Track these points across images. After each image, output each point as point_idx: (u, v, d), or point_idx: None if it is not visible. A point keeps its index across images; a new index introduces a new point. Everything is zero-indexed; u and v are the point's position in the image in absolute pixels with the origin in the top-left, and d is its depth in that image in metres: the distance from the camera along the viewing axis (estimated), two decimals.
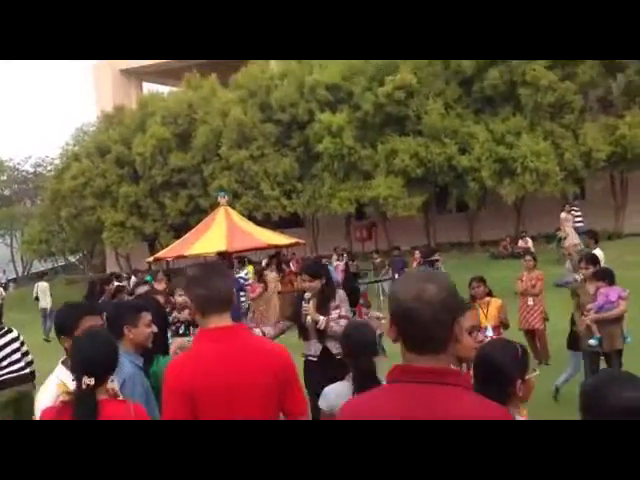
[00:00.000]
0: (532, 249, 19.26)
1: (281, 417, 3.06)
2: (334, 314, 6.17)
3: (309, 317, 6.17)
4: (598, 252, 9.94)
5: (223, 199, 19.76)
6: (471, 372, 3.09)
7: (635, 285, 9.35)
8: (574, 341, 8.23)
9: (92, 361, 3.01)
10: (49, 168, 41.08)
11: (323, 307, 6.15)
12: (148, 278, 17.22)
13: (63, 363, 3.62)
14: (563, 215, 19.91)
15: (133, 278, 21.35)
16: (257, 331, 6.06)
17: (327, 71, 26.24)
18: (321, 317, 6.11)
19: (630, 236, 23.06)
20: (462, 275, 8.31)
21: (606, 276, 7.76)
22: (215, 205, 21.58)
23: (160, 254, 20.71)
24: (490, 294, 8.06)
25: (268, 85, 27.41)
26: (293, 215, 27.38)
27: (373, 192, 24.47)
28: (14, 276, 43.32)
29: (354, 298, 8.46)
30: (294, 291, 16.50)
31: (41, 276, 24.19)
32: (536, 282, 10.47)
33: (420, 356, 1.93)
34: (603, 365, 7.78)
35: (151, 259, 21.19)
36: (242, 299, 14.94)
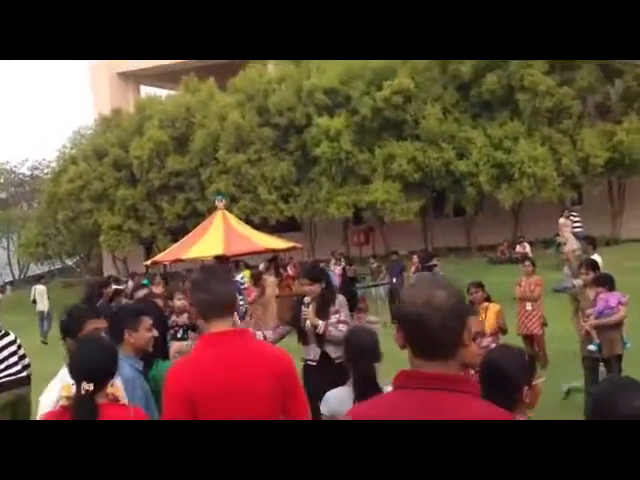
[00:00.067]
0: (530, 254, 19.27)
1: None
2: (333, 319, 6.15)
3: (308, 321, 6.15)
4: (596, 258, 9.92)
5: (221, 203, 19.74)
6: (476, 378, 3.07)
7: (634, 291, 9.34)
8: None
9: (90, 367, 2.99)
10: (46, 171, 41.05)
11: (322, 311, 6.13)
12: (145, 281, 17.12)
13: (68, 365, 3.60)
14: (562, 220, 19.90)
15: (130, 282, 21.31)
16: (259, 334, 6.04)
17: (325, 75, 26.27)
18: (320, 321, 6.09)
19: (627, 242, 23.10)
20: (460, 280, 8.31)
21: (606, 282, 7.76)
22: (212, 209, 21.55)
23: (157, 257, 20.69)
24: (488, 299, 8.05)
25: (266, 89, 27.41)
26: (290, 219, 27.37)
27: (370, 197, 24.48)
28: (11, 279, 43.25)
29: (352, 303, 8.44)
30: (292, 295, 16.48)
31: (38, 279, 24.13)
32: (535, 287, 10.47)
33: (428, 362, 1.91)
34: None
35: (148, 262, 21.16)
36: (240, 303, 14.91)
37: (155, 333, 3.88)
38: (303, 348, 6.35)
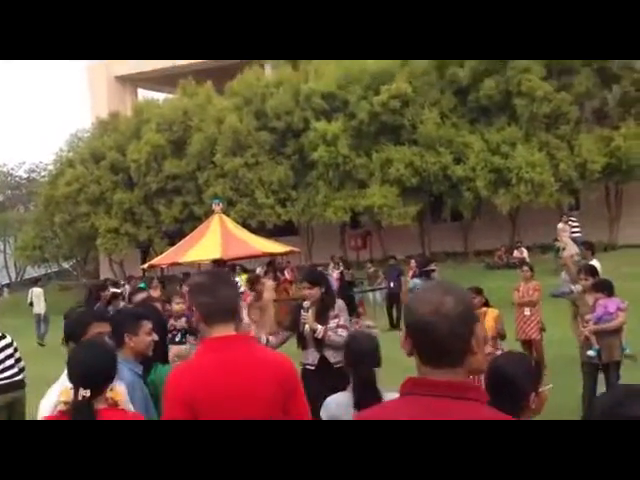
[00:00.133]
0: (527, 259, 19.27)
1: None
2: (332, 323, 6.14)
3: (307, 326, 6.13)
4: (595, 263, 9.93)
5: (218, 206, 19.76)
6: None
7: (633, 296, 9.34)
8: None
9: (88, 373, 2.96)
10: (43, 174, 41.01)
11: (322, 316, 6.11)
12: (141, 285, 17.06)
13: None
14: (560, 225, 19.93)
15: (127, 286, 21.27)
16: (262, 338, 6.02)
17: (322, 79, 26.30)
18: (319, 326, 6.07)
19: (625, 247, 23.13)
20: None
21: (605, 287, 7.76)
22: (209, 212, 21.55)
23: (154, 261, 20.68)
24: (487, 305, 8.04)
25: (263, 93, 27.44)
26: (288, 223, 27.37)
27: (368, 201, 24.50)
28: (7, 282, 43.18)
29: (349, 307, 8.43)
30: (289, 299, 16.48)
31: (35, 282, 24.09)
32: (533, 292, 10.45)
33: (436, 370, 1.89)
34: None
35: (146, 266, 21.14)
36: None
37: (155, 337, 3.85)
38: (302, 352, 6.33)
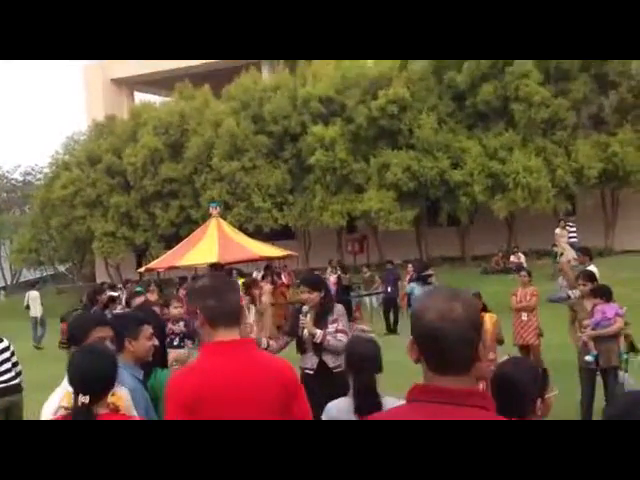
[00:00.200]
0: (524, 264, 19.29)
1: None
2: (331, 328, 6.12)
3: (306, 330, 6.12)
4: (592, 269, 9.93)
5: (215, 210, 19.73)
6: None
7: (631, 302, 9.35)
8: None
9: (87, 379, 2.94)
10: (38, 177, 40.96)
11: (321, 320, 6.10)
12: (138, 289, 16.98)
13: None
14: (558, 231, 19.95)
15: (123, 290, 21.24)
16: (263, 341, 6.00)
17: (320, 84, 26.33)
18: (318, 330, 6.06)
19: (621, 253, 23.17)
20: None
21: (603, 293, 7.77)
22: (206, 216, 21.53)
23: (151, 265, 20.64)
24: (485, 309, 8.03)
25: (261, 97, 27.44)
26: (285, 227, 27.37)
27: (365, 205, 24.51)
28: (3, 285, 43.09)
29: (346, 312, 8.42)
30: (286, 303, 16.47)
31: (32, 285, 24.03)
32: (531, 298, 10.47)
33: (444, 376, 1.87)
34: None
35: (142, 269, 21.10)
36: None
37: (155, 342, 3.83)
38: (301, 357, 6.31)
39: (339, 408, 3.88)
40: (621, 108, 23.86)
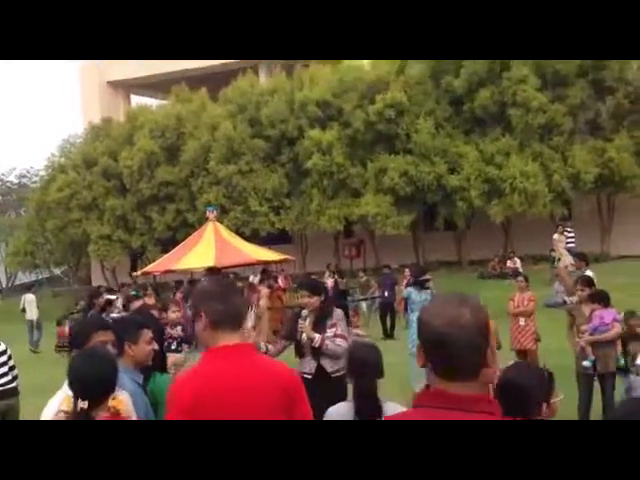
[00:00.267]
0: (520, 269, 19.32)
1: None
2: (330, 332, 6.12)
3: (305, 334, 6.11)
4: (589, 274, 9.95)
5: (212, 214, 19.70)
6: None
7: (629, 307, 9.33)
8: None
9: (86, 383, 2.92)
10: (34, 179, 40.88)
11: (320, 325, 6.10)
12: (133, 292, 16.91)
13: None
14: (556, 236, 19.99)
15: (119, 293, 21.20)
16: (261, 345, 5.99)
17: (317, 87, 26.34)
18: (317, 335, 6.06)
19: (617, 259, 23.20)
20: None
21: (601, 298, 7.78)
22: (203, 220, 21.50)
23: (148, 268, 20.59)
24: None
25: (258, 100, 27.44)
26: (281, 231, 27.36)
27: (362, 210, 24.54)
28: None
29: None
30: (283, 307, 16.46)
31: (28, 288, 23.96)
32: (528, 303, 10.47)
33: (451, 382, 1.86)
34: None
35: (139, 273, 21.05)
36: None
37: (155, 346, 3.81)
38: (299, 361, 6.30)
39: (340, 413, 3.87)
40: (617, 114, 23.94)
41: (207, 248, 17.97)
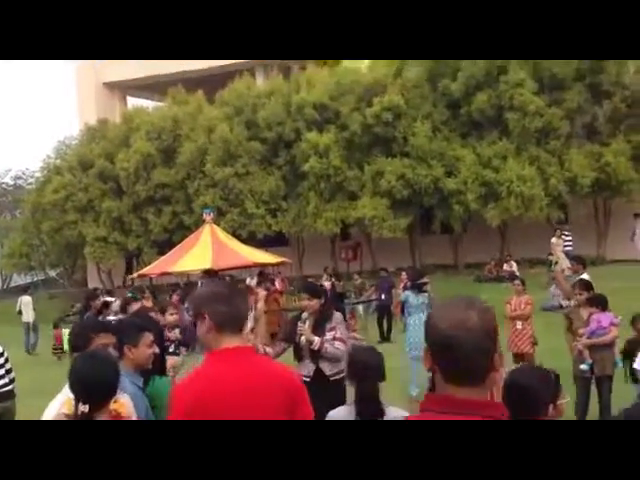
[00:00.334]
0: (517, 273, 19.33)
1: None
2: (329, 335, 6.13)
3: (303, 337, 6.11)
4: (586, 277, 9.96)
5: (209, 216, 19.70)
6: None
7: (626, 311, 9.34)
8: None
9: (87, 387, 2.90)
10: (29, 181, 40.74)
11: (319, 328, 6.11)
12: (129, 294, 16.84)
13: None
14: (554, 240, 20.01)
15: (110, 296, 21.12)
16: (259, 348, 5.99)
17: (314, 90, 26.34)
18: (316, 338, 6.07)
19: (613, 262, 23.24)
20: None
21: (599, 302, 7.81)
22: (199, 222, 21.48)
23: (144, 270, 20.55)
24: None
25: (254, 103, 27.42)
26: (278, 234, 27.33)
27: (358, 213, 24.54)
28: None
29: None
30: (280, 309, 16.43)
31: (24, 290, 23.85)
32: (525, 306, 10.49)
33: (458, 387, 1.84)
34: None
35: (135, 275, 21.02)
36: None
37: (156, 350, 3.79)
38: (298, 364, 6.30)
39: (340, 416, 3.86)
40: (614, 118, 23.97)
41: (204, 250, 17.96)
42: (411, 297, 11.02)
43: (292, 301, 19.36)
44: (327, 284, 18.97)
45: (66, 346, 15.62)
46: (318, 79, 26.84)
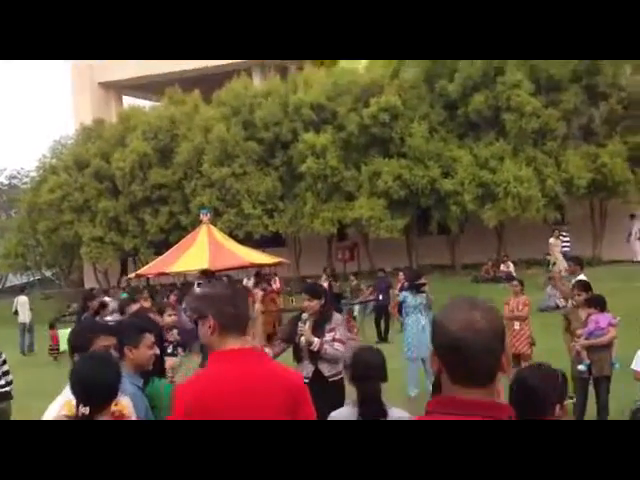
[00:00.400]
0: (514, 274, 19.36)
1: None
2: (328, 336, 6.12)
3: (303, 338, 6.11)
4: (583, 278, 9.97)
5: (205, 216, 19.67)
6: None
7: (624, 312, 9.37)
8: None
9: (88, 389, 2.88)
10: (25, 180, 40.65)
11: (319, 329, 6.10)
12: (122, 295, 16.84)
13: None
14: (552, 240, 20.05)
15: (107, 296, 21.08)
16: (258, 348, 5.97)
17: (311, 90, 26.33)
18: (315, 339, 6.06)
19: (609, 263, 23.28)
20: (446, 298, 8.25)
21: (598, 303, 7.82)
22: (196, 222, 21.45)
23: (141, 271, 20.52)
24: None
25: (251, 103, 27.39)
26: (275, 234, 27.29)
27: (355, 213, 24.54)
28: None
29: None
30: (276, 310, 16.43)
31: (21, 290, 23.78)
32: (523, 307, 10.48)
33: (465, 388, 1.83)
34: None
35: (132, 275, 20.98)
36: None
37: (156, 351, 3.78)
38: (297, 365, 6.29)
39: (343, 417, 3.85)
40: (611, 119, 24.01)
41: (201, 251, 17.95)
42: (409, 298, 11.02)
43: (289, 302, 19.37)
44: (325, 285, 19.00)
45: (62, 346, 15.60)
46: (315, 79, 26.82)
